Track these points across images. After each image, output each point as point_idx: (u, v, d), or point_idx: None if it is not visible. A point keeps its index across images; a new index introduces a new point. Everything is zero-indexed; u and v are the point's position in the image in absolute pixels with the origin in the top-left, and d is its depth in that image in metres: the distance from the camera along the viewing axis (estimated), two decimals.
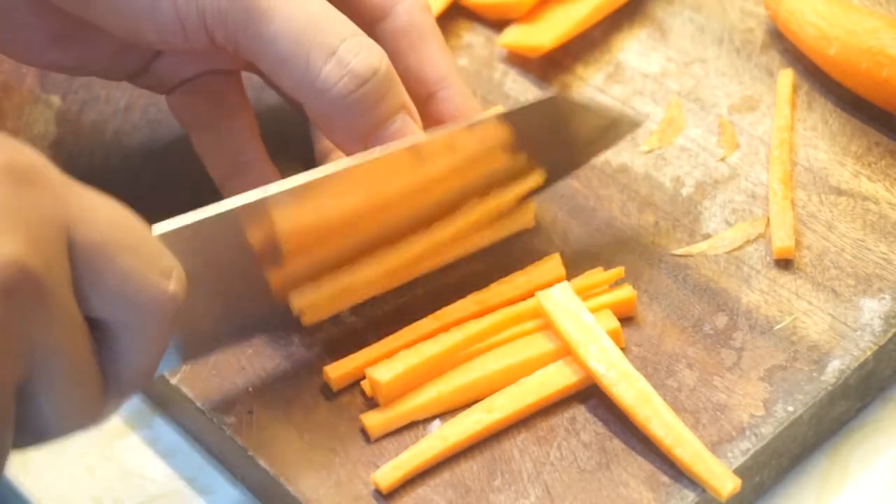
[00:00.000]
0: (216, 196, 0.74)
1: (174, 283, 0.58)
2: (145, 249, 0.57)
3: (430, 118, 0.72)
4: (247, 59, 0.69)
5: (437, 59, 0.72)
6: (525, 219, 0.75)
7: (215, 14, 0.67)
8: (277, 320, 0.71)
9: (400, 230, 0.71)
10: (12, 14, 0.71)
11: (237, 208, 0.65)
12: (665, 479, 0.65)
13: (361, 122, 0.68)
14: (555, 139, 0.73)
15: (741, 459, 0.65)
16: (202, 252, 0.64)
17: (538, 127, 0.72)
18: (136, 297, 0.57)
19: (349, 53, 0.66)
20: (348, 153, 0.69)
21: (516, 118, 0.71)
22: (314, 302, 0.70)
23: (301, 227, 0.67)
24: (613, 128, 0.75)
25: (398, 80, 0.68)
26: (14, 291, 0.52)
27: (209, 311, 0.67)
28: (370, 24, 0.72)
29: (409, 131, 0.69)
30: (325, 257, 0.70)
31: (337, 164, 0.67)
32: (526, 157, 0.73)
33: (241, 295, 0.68)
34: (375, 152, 0.67)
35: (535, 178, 0.73)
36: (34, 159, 0.55)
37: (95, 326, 0.57)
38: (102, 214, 0.56)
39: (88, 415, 0.58)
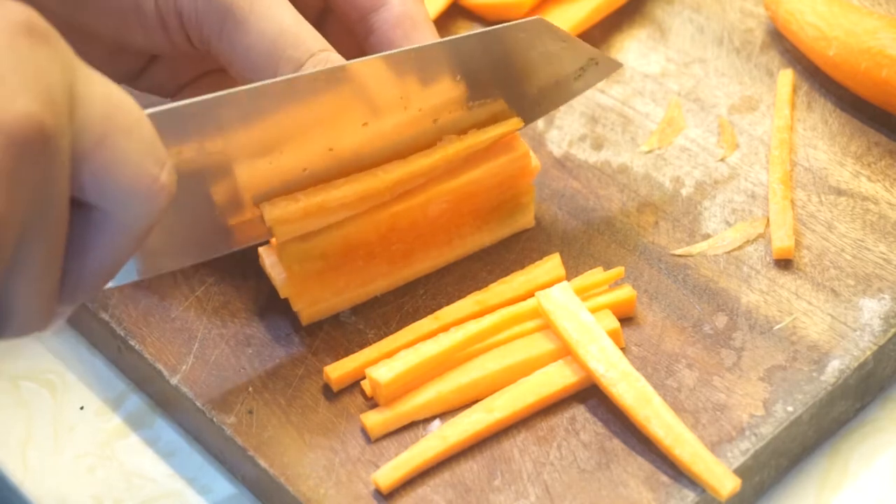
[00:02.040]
0: None
1: (166, 175, 0.56)
2: (142, 134, 0.56)
3: None
4: (218, 62, 0.69)
5: None
6: (525, 219, 0.75)
7: (191, 15, 0.68)
8: (244, 237, 0.70)
9: (378, 160, 0.70)
10: None
11: (215, 97, 0.65)
12: (665, 479, 0.65)
13: None
14: (532, 69, 0.73)
15: (741, 459, 0.65)
16: (182, 144, 0.64)
17: (518, 50, 0.72)
18: (127, 181, 0.55)
19: (313, 69, 0.67)
20: None
21: (498, 36, 0.71)
22: (287, 216, 0.68)
23: (273, 130, 0.67)
24: (592, 67, 0.75)
25: None
26: (30, 149, 0.52)
27: (174, 219, 0.66)
28: (365, 14, 0.72)
29: None
30: (301, 176, 0.69)
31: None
32: (506, 83, 0.73)
33: (210, 203, 0.68)
34: (350, 62, 0.68)
35: (513, 123, 0.73)
36: (48, 24, 0.54)
37: (73, 212, 0.56)
38: (103, 91, 0.56)
39: (40, 314, 0.56)
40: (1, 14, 0.53)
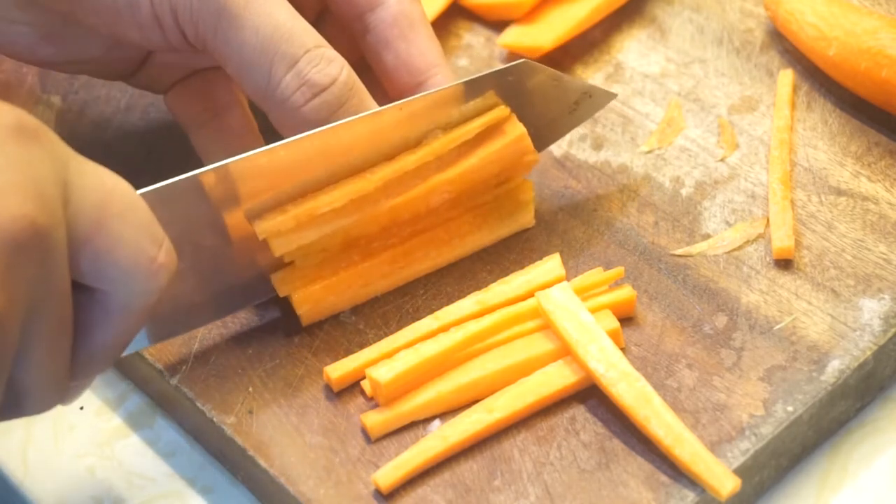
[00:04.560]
0: None
1: (164, 254, 0.58)
2: (137, 217, 0.58)
3: None
4: (214, 60, 0.69)
5: (427, 47, 0.73)
6: (525, 218, 0.75)
7: (185, 12, 0.68)
8: (251, 295, 0.71)
9: (367, 163, 0.71)
10: None
11: (208, 171, 0.67)
12: (665, 479, 0.65)
13: None
14: (525, 109, 0.73)
15: (741, 459, 0.65)
16: (177, 220, 0.65)
17: (508, 93, 0.73)
18: (125, 264, 0.57)
19: (309, 65, 0.68)
20: None
21: (488, 82, 0.72)
22: (279, 228, 0.69)
23: (267, 185, 0.68)
24: (586, 100, 0.76)
25: (362, 89, 0.70)
26: (24, 247, 0.53)
27: (182, 287, 0.67)
28: (362, 12, 0.73)
29: None
30: (290, 189, 0.69)
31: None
32: None
33: (214, 267, 0.69)
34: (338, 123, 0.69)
35: (499, 111, 0.73)
36: (38, 122, 0.56)
37: (78, 296, 0.57)
38: (95, 179, 0.57)
39: (55, 393, 0.58)
40: None
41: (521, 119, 0.73)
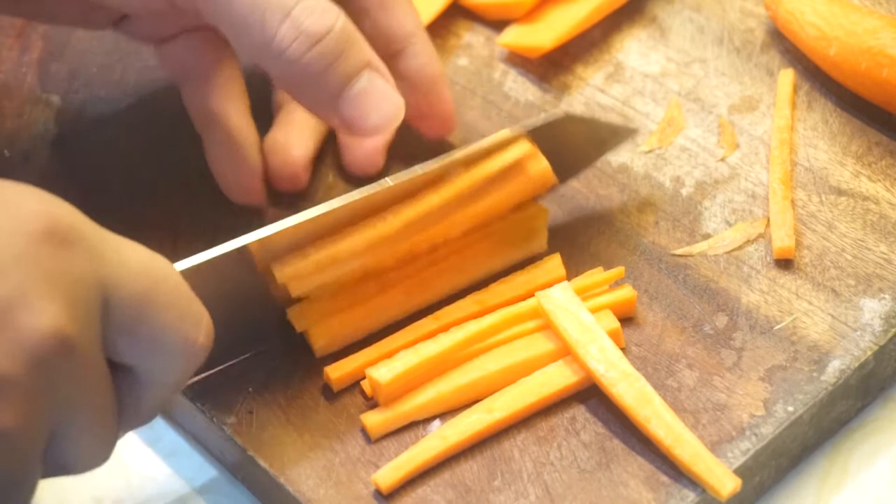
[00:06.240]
0: (213, 195, 0.74)
1: (204, 335, 0.58)
2: (180, 302, 0.57)
3: (397, 74, 0.72)
4: (207, 21, 0.68)
5: (404, 16, 0.72)
6: (538, 244, 0.74)
7: None
8: (261, 340, 0.71)
9: (387, 203, 0.70)
10: None
11: (240, 247, 0.66)
12: (665, 479, 0.65)
13: (322, 83, 0.67)
14: (554, 152, 0.73)
15: (741, 459, 0.65)
16: (206, 288, 0.63)
17: (545, 143, 0.73)
18: (168, 350, 0.57)
19: (303, 13, 0.66)
20: (321, 117, 0.70)
21: (531, 136, 0.72)
22: (298, 272, 0.68)
23: (289, 240, 0.68)
24: (612, 137, 0.77)
25: (360, 38, 0.67)
26: (50, 361, 0.52)
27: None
28: None
29: (377, 89, 0.68)
30: (309, 230, 0.69)
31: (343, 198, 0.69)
32: None
33: (241, 320, 0.69)
34: (373, 188, 0.69)
35: (521, 147, 0.72)
36: (73, 218, 0.54)
37: (117, 366, 0.57)
38: (137, 268, 0.56)
39: (105, 451, 0.58)
40: (19, 220, 0.52)
41: (552, 164, 0.73)
